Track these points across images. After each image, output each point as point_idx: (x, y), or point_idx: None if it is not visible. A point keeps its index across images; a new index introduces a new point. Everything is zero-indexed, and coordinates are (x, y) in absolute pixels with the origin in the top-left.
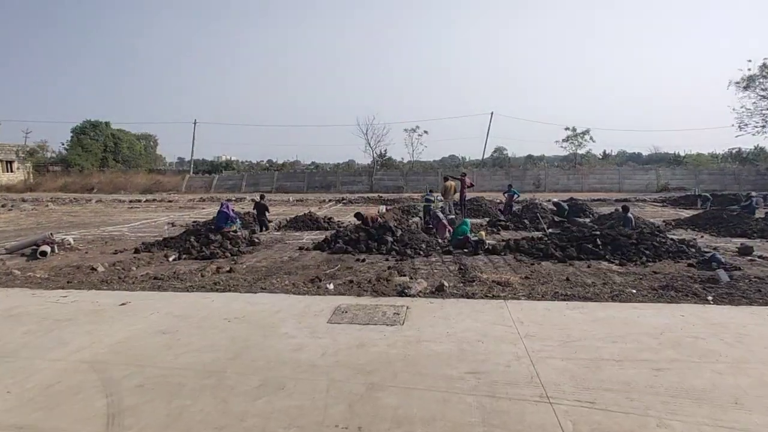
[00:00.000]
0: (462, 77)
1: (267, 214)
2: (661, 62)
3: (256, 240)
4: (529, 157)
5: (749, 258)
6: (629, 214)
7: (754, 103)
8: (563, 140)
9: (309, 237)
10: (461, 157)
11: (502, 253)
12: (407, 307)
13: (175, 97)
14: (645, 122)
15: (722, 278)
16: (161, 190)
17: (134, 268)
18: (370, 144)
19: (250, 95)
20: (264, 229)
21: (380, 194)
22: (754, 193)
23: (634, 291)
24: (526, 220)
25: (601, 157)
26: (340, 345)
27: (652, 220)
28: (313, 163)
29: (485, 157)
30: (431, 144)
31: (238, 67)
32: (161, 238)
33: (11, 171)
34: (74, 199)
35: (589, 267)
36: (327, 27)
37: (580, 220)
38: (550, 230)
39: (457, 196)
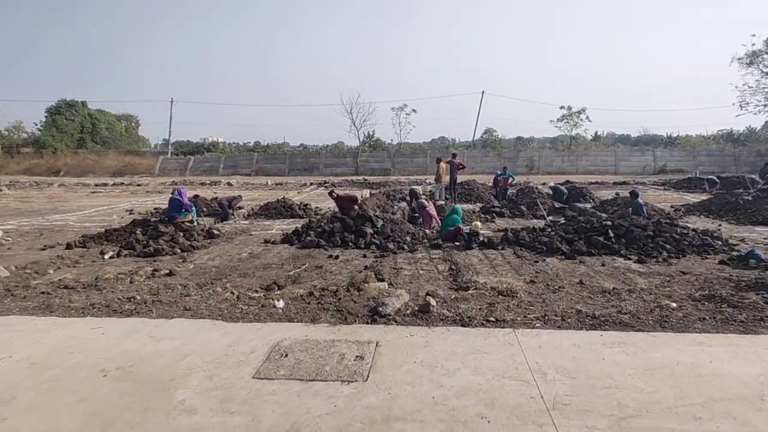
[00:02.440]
0: (452, 56)
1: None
2: (651, 43)
3: (216, 232)
4: (519, 138)
5: None
6: (639, 200)
7: (757, 80)
8: (558, 120)
9: (280, 227)
10: (451, 138)
11: (500, 247)
12: (377, 344)
13: (159, 78)
14: (633, 103)
15: None
16: (133, 173)
17: (51, 271)
18: (355, 123)
19: (236, 75)
20: (224, 219)
21: (365, 177)
22: None
23: (674, 305)
24: (523, 207)
25: (592, 138)
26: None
27: (660, 206)
28: (301, 144)
29: (475, 138)
30: (420, 125)
31: (224, 46)
32: (104, 230)
33: None
34: (35, 183)
35: (603, 265)
36: (315, 6)
37: (580, 205)
38: (550, 218)
39: (447, 178)
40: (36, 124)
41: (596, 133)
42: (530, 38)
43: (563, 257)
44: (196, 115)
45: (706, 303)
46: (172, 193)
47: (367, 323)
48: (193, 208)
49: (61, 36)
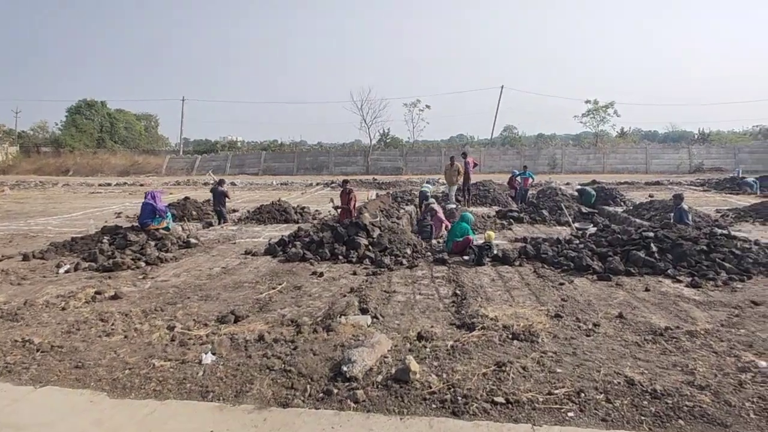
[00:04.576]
0: (470, 51)
1: (226, 204)
2: (678, 33)
3: (194, 241)
4: (540, 135)
5: None
6: (684, 205)
7: None
8: (583, 115)
9: (270, 233)
10: (469, 136)
11: (517, 263)
12: None
13: (181, 77)
14: (659, 98)
15: None
16: (140, 172)
17: None
18: (365, 121)
19: (254, 74)
20: (222, 221)
21: (375, 176)
22: None
23: (764, 364)
24: (544, 211)
25: (618, 134)
26: None
27: (703, 211)
28: (319, 143)
29: (494, 135)
30: (438, 123)
31: (242, 44)
32: (71, 239)
33: None
34: (40, 183)
35: (647, 290)
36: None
37: (611, 209)
38: (577, 225)
39: (461, 179)
40: (57, 124)
41: (622, 129)
42: (549, 32)
43: (595, 277)
44: (219, 114)
45: None
46: (145, 197)
47: (316, 402)
48: (169, 214)
49: (89, 36)
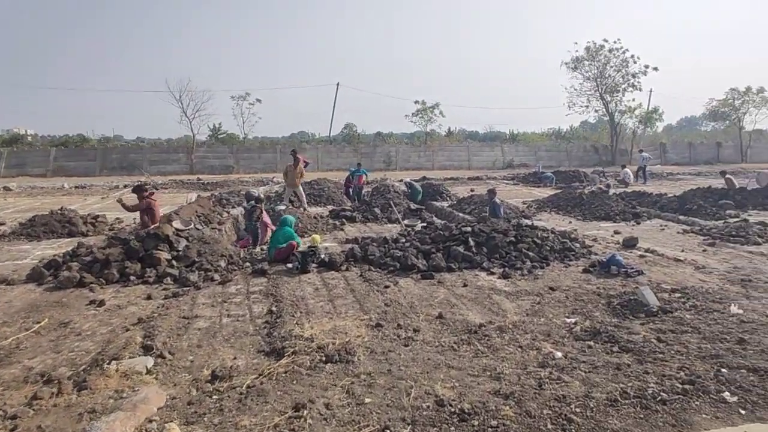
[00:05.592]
0: (306, 47)
1: None
2: (495, 45)
3: None
4: (378, 134)
5: (639, 254)
6: (497, 200)
7: (581, 83)
8: (413, 114)
9: (43, 252)
10: (311, 133)
11: (344, 268)
12: None
13: None
14: (480, 102)
15: (649, 301)
16: None
17: None
18: (186, 114)
19: (52, 56)
20: None
21: (200, 176)
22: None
23: (560, 354)
24: (377, 209)
25: (446, 134)
26: None
27: (513, 203)
28: (138, 138)
29: (334, 133)
30: (278, 119)
31: (41, 21)
32: None
33: None
34: None
35: (465, 286)
36: None
37: (438, 204)
38: (406, 222)
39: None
40: None
41: (449, 129)
42: (388, 34)
43: (419, 276)
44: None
45: (594, 346)
46: None
47: None
48: None
49: None
